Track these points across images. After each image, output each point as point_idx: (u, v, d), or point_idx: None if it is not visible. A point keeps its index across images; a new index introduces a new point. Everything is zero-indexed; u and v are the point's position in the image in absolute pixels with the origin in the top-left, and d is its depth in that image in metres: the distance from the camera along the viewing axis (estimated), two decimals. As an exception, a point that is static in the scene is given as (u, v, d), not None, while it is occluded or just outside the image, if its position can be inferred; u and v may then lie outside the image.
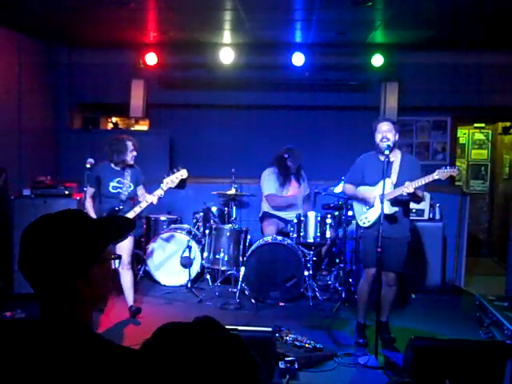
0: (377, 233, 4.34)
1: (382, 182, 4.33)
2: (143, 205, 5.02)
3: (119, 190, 5.10)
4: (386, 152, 4.29)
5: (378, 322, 4.25)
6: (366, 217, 4.61)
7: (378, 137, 4.51)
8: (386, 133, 4.48)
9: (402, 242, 4.59)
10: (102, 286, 1.42)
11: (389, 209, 4.47)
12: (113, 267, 1.50)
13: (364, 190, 4.64)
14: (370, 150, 4.72)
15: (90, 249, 1.37)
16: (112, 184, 5.07)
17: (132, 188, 5.14)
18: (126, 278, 5.10)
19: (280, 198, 6.28)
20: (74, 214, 1.41)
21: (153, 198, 5.00)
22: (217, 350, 1.09)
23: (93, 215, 4.89)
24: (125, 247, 4.94)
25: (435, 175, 4.31)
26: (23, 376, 1.25)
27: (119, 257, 1.53)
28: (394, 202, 4.48)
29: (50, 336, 1.29)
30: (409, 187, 4.26)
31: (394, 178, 4.51)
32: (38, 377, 1.24)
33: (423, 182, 4.33)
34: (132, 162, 5.14)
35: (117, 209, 5.03)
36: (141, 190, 5.23)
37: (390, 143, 4.40)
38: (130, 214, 5.00)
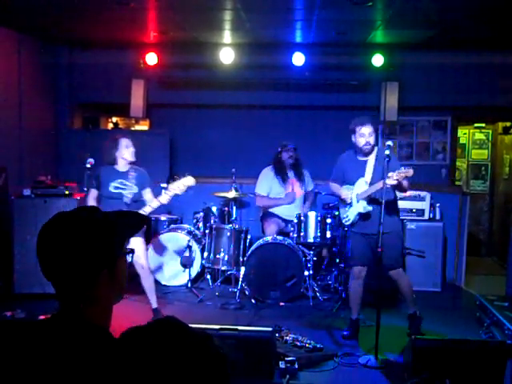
0: (361, 231, 4.62)
1: (357, 182, 4.61)
2: (147, 209, 4.86)
3: (121, 191, 4.96)
4: (366, 157, 4.49)
5: (378, 322, 4.25)
6: (347, 215, 4.75)
7: (361, 141, 4.58)
8: (369, 137, 4.56)
9: (392, 237, 4.59)
10: (124, 278, 1.45)
11: (363, 208, 4.60)
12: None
13: (345, 190, 4.78)
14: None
15: (116, 240, 1.40)
16: (113, 184, 4.95)
17: (136, 191, 5.00)
18: (150, 281, 5.04)
19: (267, 199, 6.30)
20: (92, 208, 1.43)
21: (156, 204, 4.85)
22: (175, 348, 1.10)
23: None
24: (141, 251, 4.92)
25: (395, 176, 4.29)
26: (33, 377, 1.25)
27: (132, 251, 1.55)
28: (370, 201, 4.58)
29: (66, 338, 1.29)
30: (392, 178, 4.26)
31: (368, 177, 4.61)
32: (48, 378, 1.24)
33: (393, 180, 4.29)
34: (132, 159, 5.01)
35: None
36: (148, 195, 5.06)
37: (370, 146, 4.59)
38: None
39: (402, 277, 4.76)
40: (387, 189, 4.29)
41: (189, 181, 4.84)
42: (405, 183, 4.41)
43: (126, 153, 5.00)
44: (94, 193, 5.05)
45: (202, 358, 1.12)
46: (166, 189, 4.85)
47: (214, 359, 1.14)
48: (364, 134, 4.55)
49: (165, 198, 4.81)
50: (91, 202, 5.02)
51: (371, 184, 4.55)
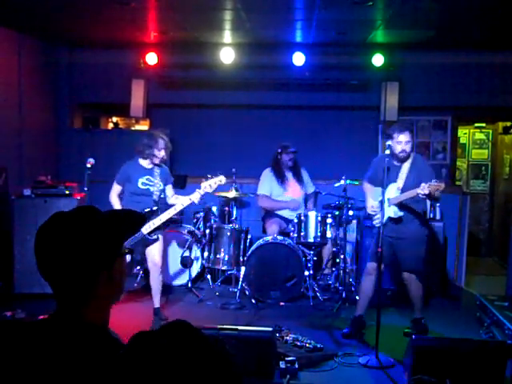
0: (388, 234, 4.62)
1: (389, 187, 4.58)
2: (178, 207, 4.92)
3: (148, 187, 4.99)
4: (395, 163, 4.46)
5: (379, 321, 4.24)
6: (378, 217, 4.72)
7: (397, 148, 4.62)
8: (405, 145, 4.60)
9: (416, 242, 4.69)
10: (122, 279, 1.45)
11: (394, 213, 4.65)
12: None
13: (370, 200, 4.85)
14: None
15: (114, 241, 1.39)
16: (141, 180, 4.97)
17: (162, 187, 5.06)
18: (158, 280, 5.00)
19: (269, 201, 6.31)
20: (91, 209, 1.42)
21: (188, 202, 4.92)
22: (183, 354, 1.09)
23: None
24: (157, 248, 4.94)
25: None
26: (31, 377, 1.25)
27: (131, 251, 1.54)
28: (401, 206, 4.62)
29: (65, 338, 1.29)
30: (424, 189, 4.30)
31: (400, 183, 4.67)
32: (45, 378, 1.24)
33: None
34: (158, 161, 5.05)
35: (153, 209, 4.91)
36: (170, 191, 5.14)
37: (405, 154, 4.62)
38: (164, 216, 4.92)
39: (414, 282, 4.75)
40: (417, 196, 4.42)
41: (221, 180, 4.94)
42: (437, 193, 4.42)
43: (158, 154, 5.00)
44: (118, 188, 5.05)
45: (216, 363, 1.11)
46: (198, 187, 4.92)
47: (228, 365, 1.13)
48: (401, 142, 4.60)
49: (196, 196, 4.91)
50: (115, 198, 5.02)
51: (403, 190, 4.61)
